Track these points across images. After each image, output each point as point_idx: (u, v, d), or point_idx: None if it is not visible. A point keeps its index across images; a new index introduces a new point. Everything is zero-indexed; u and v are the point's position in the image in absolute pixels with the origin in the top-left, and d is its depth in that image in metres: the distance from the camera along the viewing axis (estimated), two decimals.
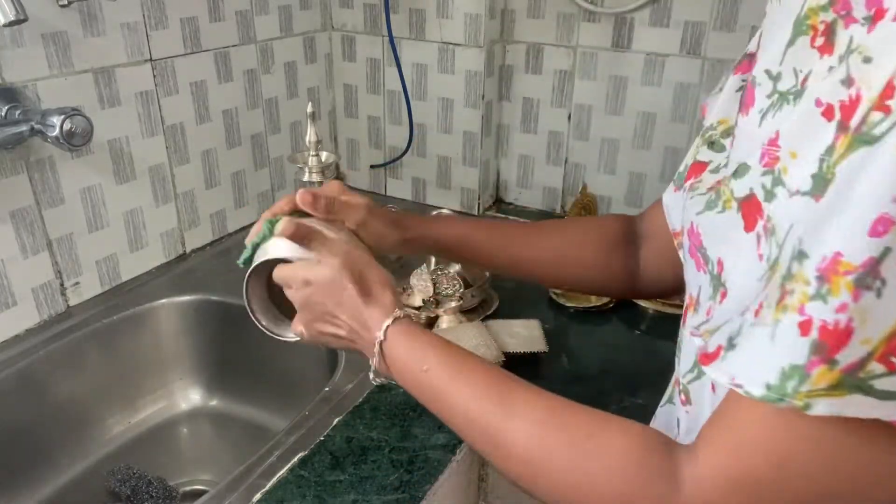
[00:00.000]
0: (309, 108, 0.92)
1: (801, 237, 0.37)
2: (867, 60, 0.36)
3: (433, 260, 1.04)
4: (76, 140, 0.81)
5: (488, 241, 0.76)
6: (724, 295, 0.45)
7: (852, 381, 0.34)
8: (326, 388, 0.84)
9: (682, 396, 0.54)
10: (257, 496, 0.69)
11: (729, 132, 0.55)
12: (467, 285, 0.98)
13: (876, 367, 0.34)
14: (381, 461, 0.73)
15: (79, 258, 0.98)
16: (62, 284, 0.97)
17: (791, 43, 0.44)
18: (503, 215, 1.34)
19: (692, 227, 0.51)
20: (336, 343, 0.65)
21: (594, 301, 1.02)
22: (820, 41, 0.41)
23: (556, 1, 1.20)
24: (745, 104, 0.48)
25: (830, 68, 0.39)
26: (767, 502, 0.41)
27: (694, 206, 0.52)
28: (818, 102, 0.38)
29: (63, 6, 0.86)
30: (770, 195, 0.41)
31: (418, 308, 0.95)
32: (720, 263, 0.46)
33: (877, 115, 0.34)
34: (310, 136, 0.94)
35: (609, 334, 0.97)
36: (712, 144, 0.57)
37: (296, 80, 1.29)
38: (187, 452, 1.03)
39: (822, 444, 0.38)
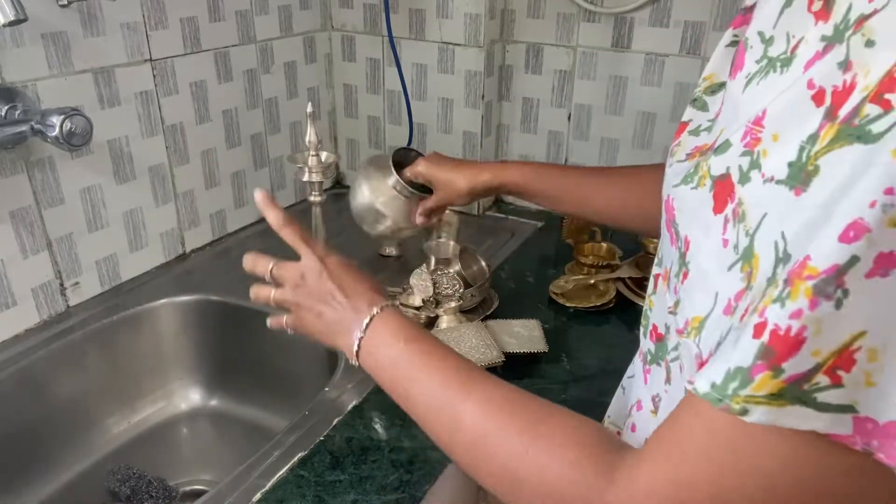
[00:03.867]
0: (309, 108, 0.92)
1: (788, 238, 0.34)
2: (870, 44, 0.32)
3: (433, 260, 1.04)
4: (76, 140, 0.81)
5: (562, 185, 0.84)
6: (685, 276, 0.43)
7: (795, 393, 0.32)
8: (326, 388, 0.84)
9: (665, 374, 0.52)
10: (257, 496, 0.69)
11: (713, 90, 0.53)
12: (467, 285, 0.98)
13: (822, 378, 0.32)
14: (381, 461, 0.73)
15: (79, 258, 0.98)
16: (62, 284, 0.97)
17: (788, 4, 0.41)
18: (503, 215, 1.34)
19: (668, 199, 0.48)
20: (319, 332, 0.65)
21: (594, 301, 1.02)
22: (817, 6, 0.38)
23: (556, 1, 1.20)
24: (735, 66, 0.46)
25: (823, 38, 0.36)
26: None
27: (672, 176, 0.48)
28: (810, 84, 0.35)
29: (63, 6, 0.86)
30: (745, 178, 0.38)
31: (418, 308, 0.95)
32: (687, 242, 0.44)
33: (873, 109, 0.31)
34: (310, 136, 0.94)
35: (609, 334, 0.97)
36: (694, 101, 0.53)
37: (296, 80, 1.29)
38: (187, 452, 1.03)
39: (761, 458, 0.35)
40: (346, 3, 1.30)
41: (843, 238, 0.30)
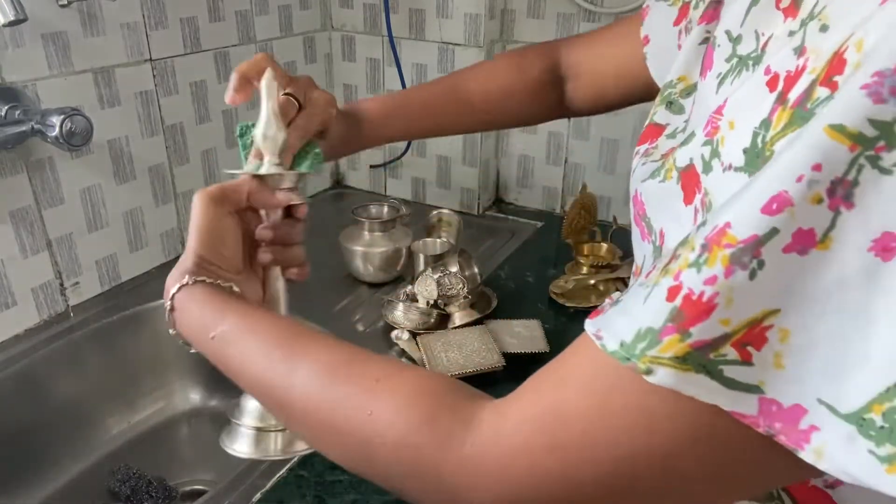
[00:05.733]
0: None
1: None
2: (824, 28, 0.32)
3: (422, 257, 1.04)
4: (76, 140, 0.81)
5: (416, 120, 0.78)
6: None
7: (701, 360, 0.31)
8: None
9: None
10: (257, 496, 0.69)
11: (688, 91, 0.52)
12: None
13: (730, 351, 0.31)
14: None
15: (78, 258, 0.98)
16: (62, 284, 0.97)
17: (755, 2, 0.41)
18: (503, 215, 1.34)
19: (636, 194, 0.48)
20: None
21: (594, 301, 1.02)
22: (786, 3, 0.38)
23: (556, 1, 1.20)
24: (704, 66, 0.46)
25: (791, 33, 0.36)
26: (566, 452, 0.35)
27: (640, 172, 0.49)
28: (767, 70, 0.35)
29: (63, 6, 0.86)
30: (707, 167, 0.38)
31: (430, 306, 0.95)
32: (662, 235, 0.44)
33: (823, 92, 0.30)
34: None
35: None
36: (671, 105, 0.53)
37: None
38: (187, 452, 1.03)
39: (650, 413, 0.34)
40: (346, 3, 1.30)
41: (766, 210, 0.30)
